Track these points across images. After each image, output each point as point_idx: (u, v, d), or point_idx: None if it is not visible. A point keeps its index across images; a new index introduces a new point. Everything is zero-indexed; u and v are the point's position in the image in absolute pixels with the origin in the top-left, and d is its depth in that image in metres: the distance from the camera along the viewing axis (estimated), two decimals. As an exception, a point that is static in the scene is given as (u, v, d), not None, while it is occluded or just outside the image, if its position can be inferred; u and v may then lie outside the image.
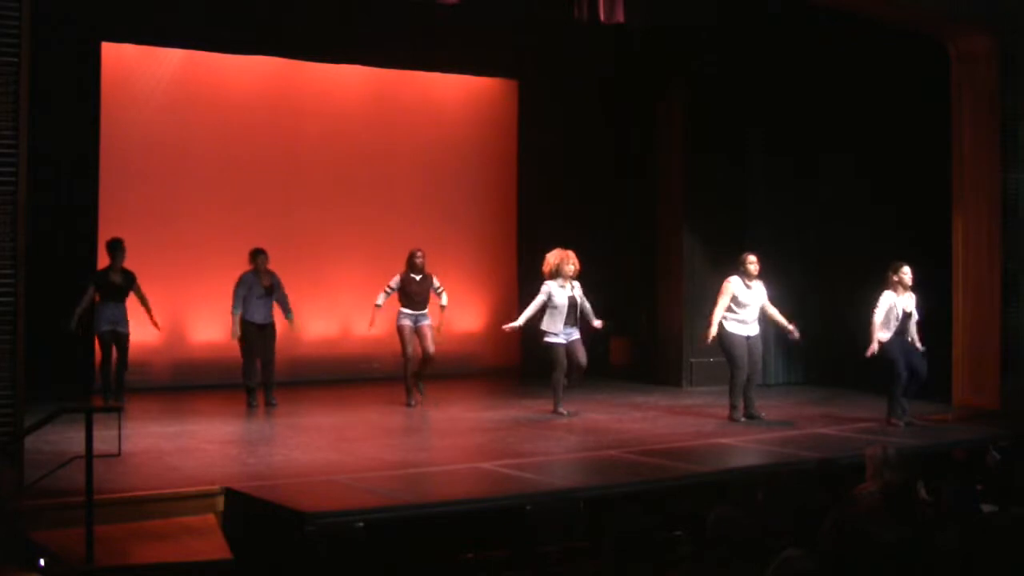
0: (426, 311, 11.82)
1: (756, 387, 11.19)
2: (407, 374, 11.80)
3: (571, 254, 11.25)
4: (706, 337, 11.01)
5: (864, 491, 7.16)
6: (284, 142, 13.65)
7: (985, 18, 11.83)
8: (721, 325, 10.93)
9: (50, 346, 10.65)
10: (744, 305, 10.92)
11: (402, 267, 11.83)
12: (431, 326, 11.84)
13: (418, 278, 11.82)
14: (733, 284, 10.93)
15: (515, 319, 11.45)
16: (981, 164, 11.92)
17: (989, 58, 11.87)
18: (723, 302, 10.92)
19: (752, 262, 10.99)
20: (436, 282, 11.91)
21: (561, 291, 11.18)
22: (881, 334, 10.57)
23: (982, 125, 11.90)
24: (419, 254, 11.82)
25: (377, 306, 11.78)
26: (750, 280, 10.99)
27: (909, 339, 10.70)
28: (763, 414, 11.06)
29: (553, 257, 11.25)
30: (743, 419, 10.92)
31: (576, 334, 11.30)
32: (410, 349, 11.74)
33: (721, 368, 11.48)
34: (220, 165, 13.32)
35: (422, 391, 11.91)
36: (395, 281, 11.77)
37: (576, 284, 11.29)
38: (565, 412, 11.22)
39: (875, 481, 7.21)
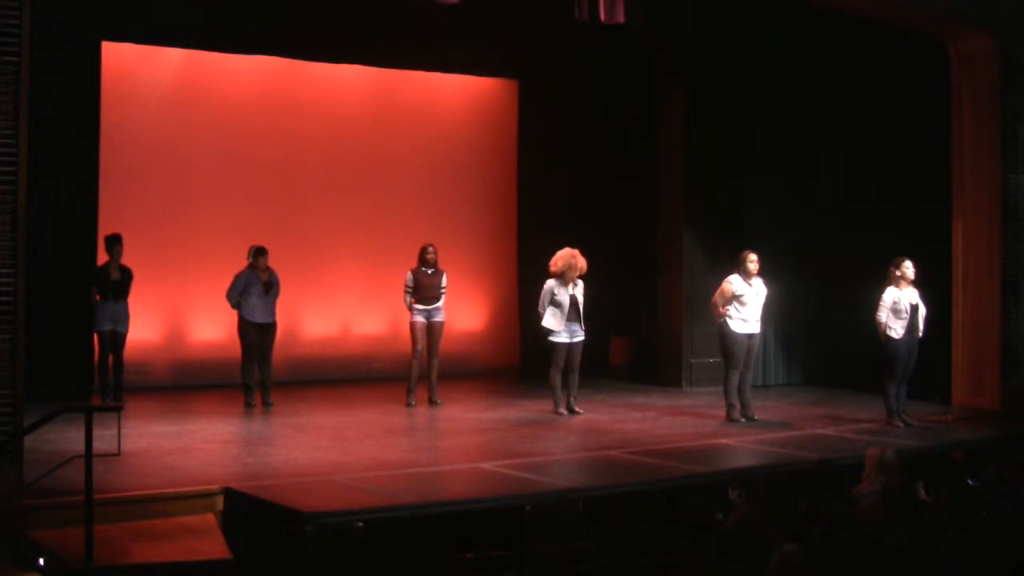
0: (439, 305, 11.84)
1: (754, 387, 11.18)
2: (412, 373, 11.76)
3: (577, 254, 11.25)
4: (722, 314, 10.92)
5: (863, 491, 7.17)
6: (284, 142, 13.63)
7: (985, 18, 11.83)
8: (724, 323, 10.95)
9: (50, 346, 10.66)
10: (746, 303, 10.93)
11: (413, 263, 11.84)
12: (443, 323, 11.87)
13: (430, 272, 11.82)
14: (735, 284, 10.93)
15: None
16: (981, 164, 11.92)
17: (989, 58, 11.87)
18: (722, 300, 10.94)
19: (752, 260, 10.99)
20: (444, 281, 11.91)
21: (563, 289, 11.19)
22: (892, 330, 10.58)
23: (982, 125, 11.90)
24: (431, 249, 11.84)
25: (411, 309, 11.78)
26: (750, 278, 11.00)
27: (918, 336, 10.71)
28: (757, 416, 11.07)
29: (560, 256, 11.25)
30: (742, 419, 10.93)
31: (580, 335, 11.31)
32: (420, 347, 11.75)
33: (721, 369, 11.47)
34: (220, 165, 13.31)
35: (435, 398, 11.79)
36: (409, 279, 11.78)
37: (579, 283, 11.29)
38: (564, 411, 11.23)
39: (874, 482, 7.23)
